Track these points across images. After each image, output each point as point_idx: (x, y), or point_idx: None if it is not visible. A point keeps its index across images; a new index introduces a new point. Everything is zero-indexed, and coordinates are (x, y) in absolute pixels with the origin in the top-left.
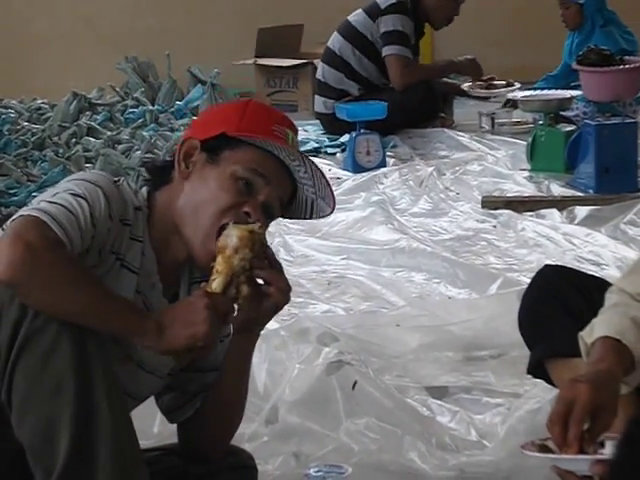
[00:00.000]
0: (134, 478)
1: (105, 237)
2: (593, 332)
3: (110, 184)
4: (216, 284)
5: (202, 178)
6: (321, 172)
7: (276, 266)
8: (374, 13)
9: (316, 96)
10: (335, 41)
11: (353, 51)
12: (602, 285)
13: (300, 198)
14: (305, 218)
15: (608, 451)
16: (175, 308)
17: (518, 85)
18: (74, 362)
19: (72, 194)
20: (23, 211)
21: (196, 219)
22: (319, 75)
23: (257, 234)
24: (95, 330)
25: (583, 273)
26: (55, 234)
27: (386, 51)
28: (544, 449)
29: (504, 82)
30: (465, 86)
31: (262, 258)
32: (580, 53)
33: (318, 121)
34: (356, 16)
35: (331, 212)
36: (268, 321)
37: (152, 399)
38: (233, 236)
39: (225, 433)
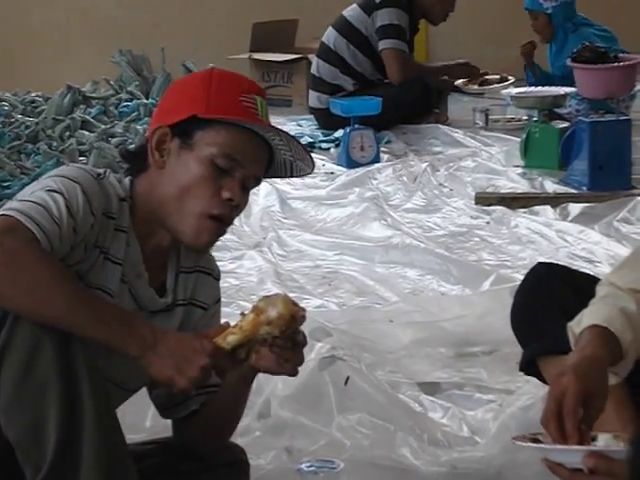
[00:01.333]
0: (118, 476)
1: (89, 232)
2: (581, 322)
3: (90, 179)
4: (231, 339)
5: (178, 165)
6: (295, 139)
7: (301, 344)
8: (369, 7)
9: (310, 91)
10: (330, 36)
11: (348, 46)
12: (594, 282)
13: (278, 160)
14: (285, 177)
15: (601, 444)
16: (177, 339)
17: (512, 79)
18: (58, 362)
19: (47, 190)
20: None
21: (179, 209)
22: (314, 70)
23: (297, 322)
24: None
25: (576, 271)
26: (30, 232)
27: (382, 45)
28: (535, 442)
29: (498, 77)
30: (459, 82)
31: (288, 339)
32: (574, 51)
33: (312, 116)
34: (351, 11)
35: (311, 171)
36: (268, 371)
37: (145, 393)
38: (276, 309)
39: (221, 435)
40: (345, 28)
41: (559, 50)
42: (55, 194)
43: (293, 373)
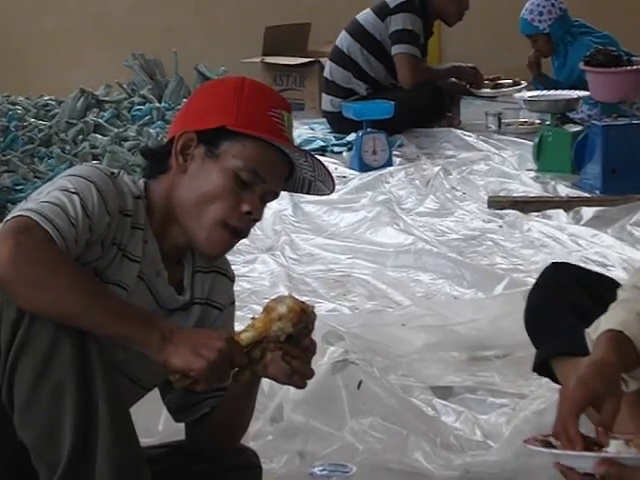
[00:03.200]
0: (133, 476)
1: (105, 230)
2: (599, 327)
3: (104, 177)
4: (245, 337)
5: (201, 172)
6: (320, 162)
7: (311, 350)
8: (383, 12)
9: (323, 94)
10: (343, 40)
11: (361, 50)
12: (608, 282)
13: (297, 177)
14: (301, 193)
15: (613, 450)
16: (193, 331)
17: (525, 84)
18: (74, 363)
19: (62, 190)
20: (14, 212)
21: (197, 215)
22: (326, 74)
23: (307, 315)
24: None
25: (589, 270)
26: (45, 232)
27: (395, 50)
28: (547, 445)
29: (510, 81)
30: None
31: (301, 335)
32: (587, 54)
33: (325, 120)
34: (365, 15)
35: (330, 193)
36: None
37: (158, 397)
38: (285, 305)
39: (231, 438)
40: (359, 33)
41: (561, 65)
42: (71, 194)
43: (301, 385)
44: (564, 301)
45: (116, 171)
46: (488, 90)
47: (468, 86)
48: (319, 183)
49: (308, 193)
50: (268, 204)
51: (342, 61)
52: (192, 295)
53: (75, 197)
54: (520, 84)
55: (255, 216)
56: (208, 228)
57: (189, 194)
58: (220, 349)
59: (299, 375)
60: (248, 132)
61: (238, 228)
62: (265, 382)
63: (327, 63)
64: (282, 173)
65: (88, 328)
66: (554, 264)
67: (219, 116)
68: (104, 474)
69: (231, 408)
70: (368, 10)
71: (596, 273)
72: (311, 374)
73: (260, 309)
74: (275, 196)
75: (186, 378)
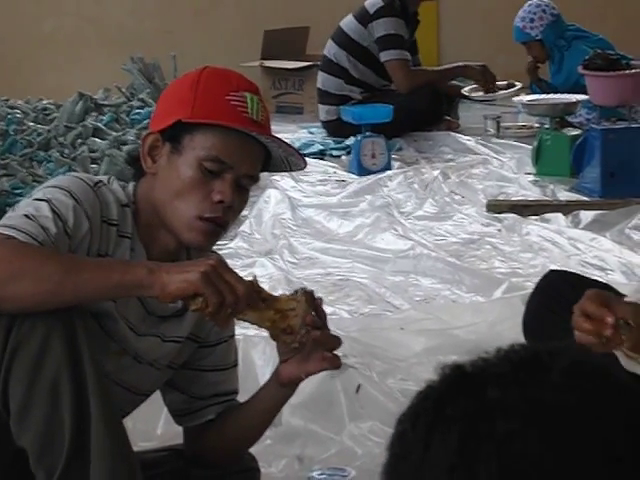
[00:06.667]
0: (126, 476)
1: (87, 236)
2: None
3: (82, 185)
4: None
5: (169, 170)
6: (279, 139)
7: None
8: (364, 19)
9: (319, 105)
10: (330, 48)
11: (348, 57)
12: (606, 289)
13: (275, 155)
14: (285, 171)
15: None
16: (179, 262)
17: (519, 85)
18: (66, 360)
19: (33, 199)
20: None
21: (174, 213)
22: (319, 84)
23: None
24: (85, 323)
25: (588, 278)
26: (5, 235)
27: (384, 57)
28: None
29: (505, 83)
30: (466, 90)
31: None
32: (586, 58)
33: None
34: (347, 22)
35: (305, 166)
36: (313, 374)
37: (156, 401)
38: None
39: (238, 450)
40: (343, 40)
41: (557, 70)
42: (40, 202)
43: (337, 362)
44: (562, 308)
45: (105, 178)
46: (481, 93)
47: (475, 86)
48: (292, 158)
49: (290, 170)
50: (266, 206)
51: (332, 69)
52: None
53: (44, 203)
54: (515, 86)
55: (228, 203)
56: (187, 224)
57: (163, 194)
58: (208, 263)
59: (328, 347)
60: (203, 121)
61: (213, 218)
62: None
63: (319, 73)
64: (251, 155)
65: (79, 294)
66: (552, 271)
67: (177, 111)
68: (99, 473)
69: (249, 424)
70: (350, 17)
71: (594, 280)
72: (339, 341)
73: None
74: (252, 180)
75: (195, 301)
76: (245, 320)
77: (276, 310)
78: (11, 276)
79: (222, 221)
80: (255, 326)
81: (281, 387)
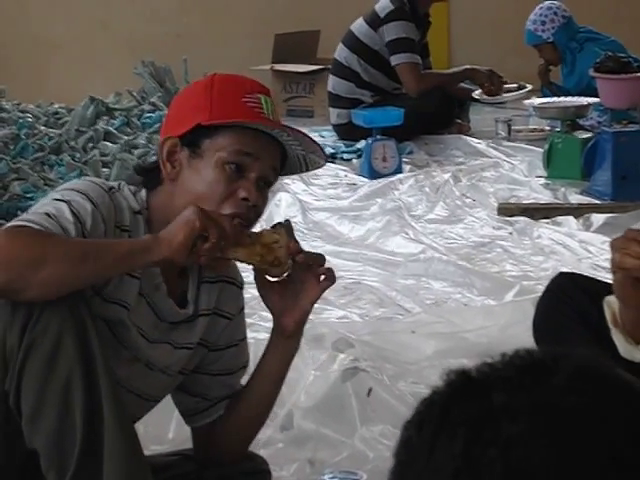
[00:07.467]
0: (138, 477)
1: (101, 239)
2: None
3: (99, 190)
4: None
5: (191, 174)
6: (302, 133)
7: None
8: (375, 22)
9: (330, 109)
10: (341, 52)
11: (359, 61)
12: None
13: (291, 155)
14: (301, 172)
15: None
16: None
17: (530, 87)
18: (79, 358)
19: (52, 200)
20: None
21: None
22: (330, 88)
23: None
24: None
25: (597, 280)
26: (34, 229)
27: (395, 60)
28: None
29: (516, 85)
30: (476, 94)
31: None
32: (597, 61)
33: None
34: (358, 26)
35: (324, 163)
36: (316, 299)
37: (167, 405)
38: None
39: (244, 439)
40: (354, 44)
41: (570, 72)
42: (60, 202)
43: (333, 275)
44: (572, 311)
45: (117, 184)
46: (490, 97)
47: (484, 88)
48: (311, 155)
49: (307, 170)
50: (277, 210)
51: (343, 73)
52: (197, 308)
53: (64, 204)
54: (525, 88)
55: (253, 202)
56: None
57: (185, 199)
58: (191, 208)
59: (316, 264)
60: (223, 122)
61: (238, 214)
62: None
63: (329, 77)
64: (272, 150)
65: (99, 270)
66: (562, 274)
67: (194, 116)
68: (111, 475)
69: (258, 391)
70: (361, 20)
71: (604, 282)
72: (322, 256)
73: (269, 316)
74: (275, 175)
75: (204, 242)
76: (235, 259)
77: (262, 245)
78: (34, 261)
79: (246, 218)
80: (244, 264)
81: (287, 340)
